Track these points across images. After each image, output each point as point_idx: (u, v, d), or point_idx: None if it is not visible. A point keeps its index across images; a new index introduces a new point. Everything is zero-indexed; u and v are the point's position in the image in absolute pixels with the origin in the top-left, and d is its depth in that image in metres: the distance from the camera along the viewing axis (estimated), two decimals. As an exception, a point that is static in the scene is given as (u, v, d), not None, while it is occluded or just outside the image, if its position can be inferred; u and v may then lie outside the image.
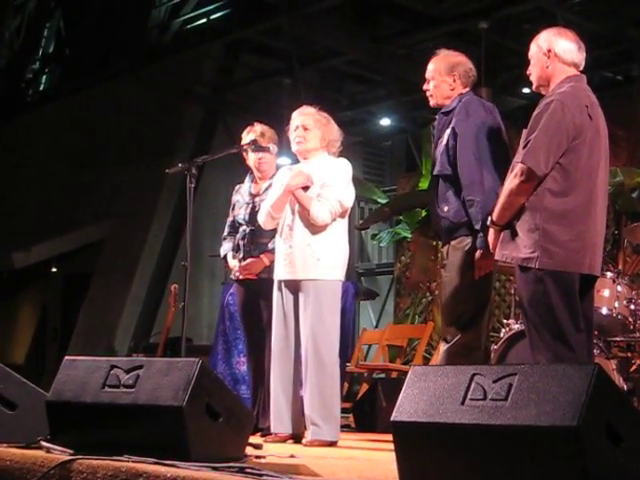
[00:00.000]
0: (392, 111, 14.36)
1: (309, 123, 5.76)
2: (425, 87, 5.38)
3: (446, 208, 5.16)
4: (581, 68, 4.72)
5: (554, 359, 4.37)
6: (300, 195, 5.63)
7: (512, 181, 4.54)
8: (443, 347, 5.19)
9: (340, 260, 5.66)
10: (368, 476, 3.42)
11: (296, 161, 5.94)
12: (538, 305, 4.51)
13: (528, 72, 4.79)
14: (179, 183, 13.35)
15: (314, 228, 5.60)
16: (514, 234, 4.57)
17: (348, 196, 5.69)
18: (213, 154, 7.13)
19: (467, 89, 5.32)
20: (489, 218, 4.72)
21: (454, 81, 5.29)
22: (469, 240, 5.08)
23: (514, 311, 7.76)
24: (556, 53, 4.65)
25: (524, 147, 4.51)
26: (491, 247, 4.72)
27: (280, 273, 5.71)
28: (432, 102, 5.37)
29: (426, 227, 11.29)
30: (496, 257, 4.72)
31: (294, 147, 5.82)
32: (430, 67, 5.35)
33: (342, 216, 5.68)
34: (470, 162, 5.06)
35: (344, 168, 5.75)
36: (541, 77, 4.71)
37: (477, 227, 4.98)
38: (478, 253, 5.00)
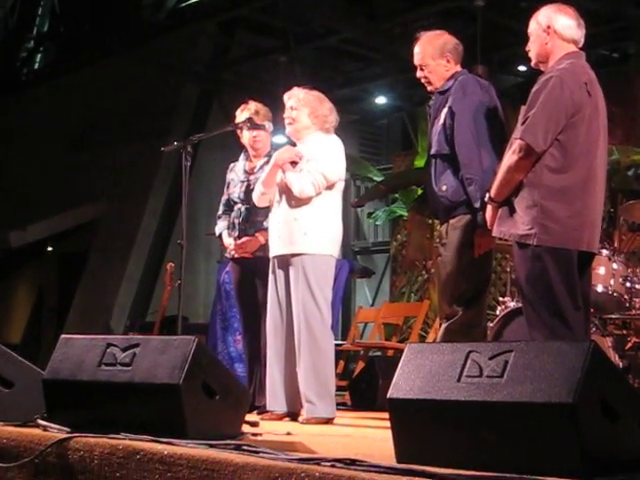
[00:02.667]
0: (388, 89, 14.33)
1: (295, 103, 5.76)
2: (419, 75, 5.33)
3: (444, 187, 5.15)
4: (580, 45, 4.70)
5: (551, 337, 4.37)
6: (289, 172, 5.64)
7: (510, 157, 4.53)
8: (444, 325, 5.20)
9: (329, 235, 5.64)
10: (365, 453, 3.42)
11: (293, 143, 5.94)
12: (536, 282, 4.50)
13: (527, 48, 4.77)
14: (174, 162, 13.32)
15: (300, 202, 5.60)
16: (512, 211, 4.57)
17: (333, 169, 5.65)
18: (208, 132, 7.14)
19: (459, 66, 5.31)
20: (487, 195, 4.71)
21: (448, 61, 5.27)
22: (468, 218, 5.07)
23: (510, 289, 7.77)
24: (555, 30, 4.63)
25: (522, 123, 4.51)
26: (489, 224, 4.72)
27: (272, 249, 5.74)
28: (430, 88, 5.34)
29: (422, 205, 11.29)
30: (494, 234, 4.71)
31: (286, 130, 5.84)
32: (418, 53, 5.31)
33: (330, 189, 5.67)
34: (468, 141, 5.05)
35: (331, 143, 5.74)
36: (540, 54, 4.70)
37: (476, 205, 4.97)
38: (478, 231, 5.00)
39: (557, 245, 4.47)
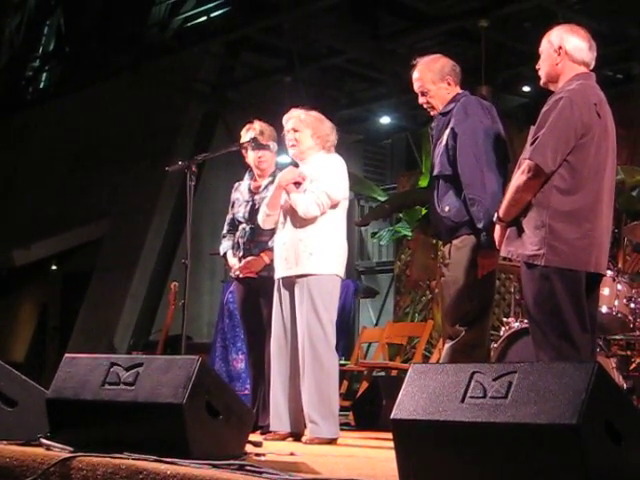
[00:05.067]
0: (392, 109, 14.35)
1: (297, 125, 5.78)
2: (421, 101, 5.35)
3: (447, 208, 5.16)
4: (591, 67, 4.69)
5: (558, 358, 4.34)
6: (293, 193, 5.66)
7: (519, 177, 4.52)
8: (447, 345, 5.20)
9: (334, 254, 5.65)
10: (368, 474, 3.42)
11: (296, 163, 5.95)
12: (544, 303, 4.49)
13: (537, 67, 4.76)
14: (179, 181, 13.35)
15: (305, 223, 5.61)
16: (520, 231, 4.56)
17: (337, 188, 5.67)
18: (213, 152, 7.15)
19: (459, 87, 5.33)
20: (495, 214, 4.70)
21: (449, 84, 5.29)
22: (471, 239, 5.08)
23: (514, 310, 7.76)
24: (567, 50, 4.63)
25: (532, 144, 4.50)
26: (497, 243, 4.71)
27: (278, 271, 5.74)
28: (433, 112, 5.36)
29: (426, 225, 11.28)
30: (502, 253, 4.71)
31: (289, 152, 5.86)
32: (418, 80, 5.32)
33: (334, 209, 5.68)
34: (470, 162, 5.06)
35: (333, 162, 5.76)
36: (550, 73, 4.69)
37: (479, 226, 4.98)
38: (481, 252, 5.01)
39: (565, 266, 4.46)
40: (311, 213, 5.58)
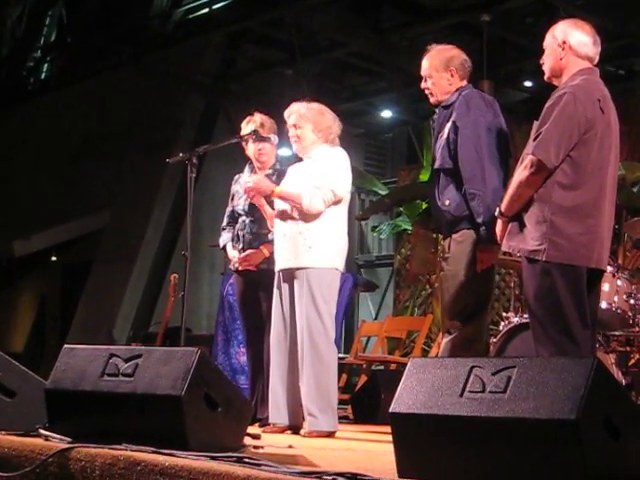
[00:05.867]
0: (393, 103, 14.34)
1: (298, 121, 5.77)
2: (423, 86, 5.37)
3: (447, 202, 5.16)
4: (595, 62, 4.69)
5: (558, 353, 4.33)
6: (287, 193, 5.66)
7: (522, 173, 4.52)
8: (446, 339, 5.21)
9: (334, 248, 5.64)
10: (366, 467, 3.41)
11: (298, 159, 5.94)
12: (544, 298, 4.48)
13: (541, 61, 4.76)
14: (180, 173, 13.34)
15: (306, 216, 5.61)
16: (522, 226, 4.56)
17: (342, 185, 5.67)
18: (214, 144, 7.15)
19: (465, 82, 5.33)
20: (497, 209, 4.71)
21: (452, 76, 5.30)
22: (471, 233, 5.08)
23: (513, 304, 7.77)
24: (571, 45, 4.62)
25: (535, 139, 4.50)
26: (498, 238, 4.71)
27: (277, 263, 5.74)
28: (432, 100, 5.37)
29: (426, 219, 11.29)
30: (503, 248, 4.71)
31: (293, 147, 5.86)
32: (425, 65, 5.35)
33: (337, 204, 5.67)
34: (471, 156, 5.06)
35: (338, 157, 5.75)
36: (554, 68, 4.69)
37: (479, 220, 4.98)
38: (480, 246, 5.01)
39: (566, 261, 4.46)
40: (317, 209, 5.57)
